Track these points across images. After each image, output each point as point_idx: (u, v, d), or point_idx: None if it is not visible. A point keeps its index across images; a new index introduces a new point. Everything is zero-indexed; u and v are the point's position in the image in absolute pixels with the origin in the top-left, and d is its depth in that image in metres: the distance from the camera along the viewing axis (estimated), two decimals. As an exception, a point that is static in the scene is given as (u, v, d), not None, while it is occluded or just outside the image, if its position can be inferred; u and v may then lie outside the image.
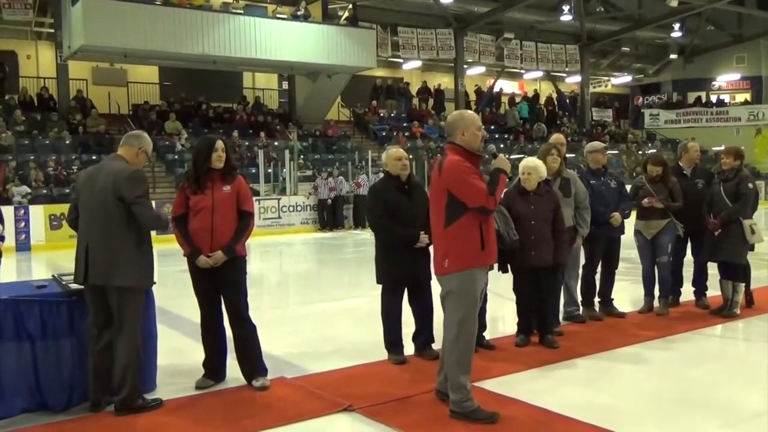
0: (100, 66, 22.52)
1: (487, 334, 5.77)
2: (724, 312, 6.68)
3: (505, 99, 31.60)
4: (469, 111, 4.38)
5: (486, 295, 5.59)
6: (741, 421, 4.06)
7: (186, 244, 4.67)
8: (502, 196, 4.11)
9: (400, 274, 5.29)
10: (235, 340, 4.79)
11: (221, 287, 4.70)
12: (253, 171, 19.09)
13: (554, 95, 32.66)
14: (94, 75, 22.76)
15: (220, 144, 4.69)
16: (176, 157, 19.24)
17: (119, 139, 4.69)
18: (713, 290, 7.08)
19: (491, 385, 4.69)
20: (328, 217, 18.72)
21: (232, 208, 4.68)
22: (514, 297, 5.85)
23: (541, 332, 5.76)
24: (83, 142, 19.02)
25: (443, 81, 29.25)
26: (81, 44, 17.80)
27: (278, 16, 20.97)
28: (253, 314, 4.89)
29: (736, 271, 6.66)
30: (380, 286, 5.43)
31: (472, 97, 29.77)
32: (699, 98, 33.42)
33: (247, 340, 4.73)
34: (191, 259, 4.67)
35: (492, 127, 28.36)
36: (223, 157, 4.67)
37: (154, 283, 4.52)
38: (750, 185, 6.55)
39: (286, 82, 25.89)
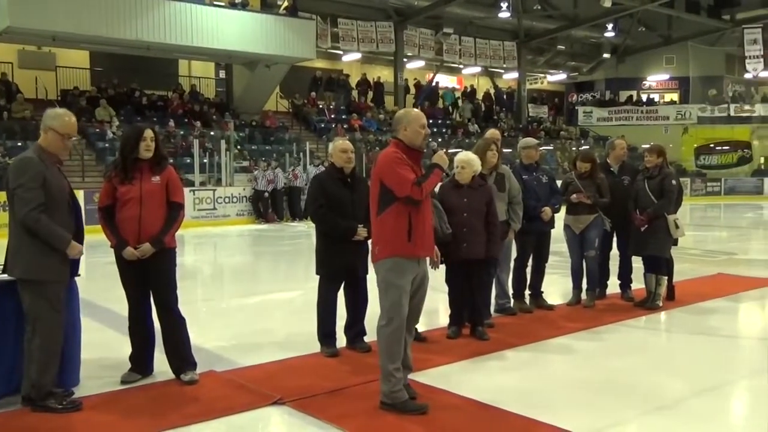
0: (26, 49, 21.62)
1: (420, 327, 5.80)
2: (648, 304, 6.91)
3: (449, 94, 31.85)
4: (416, 109, 4.47)
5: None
6: (661, 408, 4.22)
7: (112, 236, 4.55)
8: (433, 189, 4.16)
9: (336, 266, 5.29)
10: (163, 333, 4.69)
11: (150, 279, 4.60)
12: (188, 161, 18.72)
13: (492, 91, 33.12)
14: (21, 58, 21.83)
15: (148, 133, 4.56)
16: (107, 145, 18.68)
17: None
18: (638, 283, 7.31)
19: (423, 377, 4.72)
20: (264, 209, 18.52)
21: (161, 199, 4.57)
22: (446, 289, 5.91)
23: (472, 324, 5.84)
24: (8, 127, 18.30)
25: (383, 74, 29.30)
26: (6, 26, 17.00)
27: (216, 3, 20.55)
28: (186, 307, 4.81)
29: (659, 265, 6.89)
30: (317, 278, 5.42)
31: (413, 90, 29.90)
32: (630, 97, 34.44)
33: (176, 334, 4.64)
34: (118, 251, 4.55)
35: (431, 121, 28.56)
36: (152, 146, 4.55)
37: (64, 278, 4.22)
38: (673, 182, 6.78)
39: (224, 71, 25.45)
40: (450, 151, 21.07)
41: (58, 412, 4.07)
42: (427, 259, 4.38)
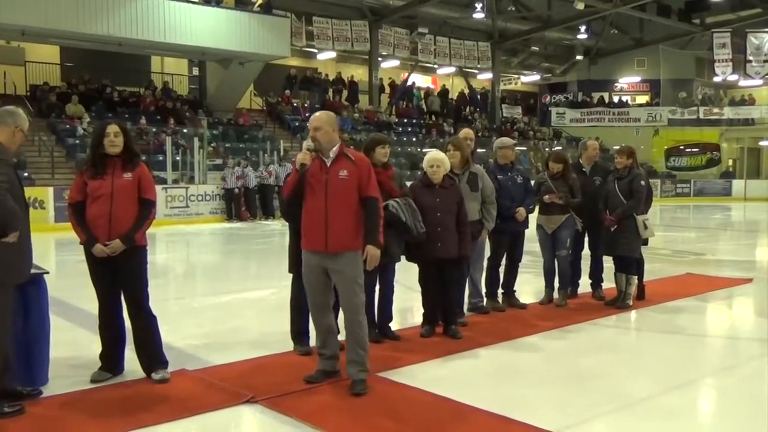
0: (-5, 43, 21.28)
1: (394, 325, 5.83)
2: (618, 303, 7.00)
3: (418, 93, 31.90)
4: (319, 113, 4.60)
5: (392, 286, 5.69)
6: (629, 406, 4.27)
7: (82, 232, 4.49)
8: (293, 191, 4.52)
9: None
10: (134, 331, 4.64)
11: (120, 277, 4.55)
12: (161, 158, 18.53)
13: (466, 91, 33.27)
14: (-11, 52, 21.48)
15: (112, 128, 4.52)
16: (77, 141, 18.42)
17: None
18: (609, 282, 7.39)
19: (397, 375, 4.75)
20: (236, 207, 18.38)
21: (133, 196, 4.53)
22: (419, 289, 5.93)
23: (445, 323, 5.86)
24: (-25, 123, 17.91)
25: (357, 73, 29.27)
26: (-27, 19, 16.72)
27: (189, -1, 20.37)
28: (158, 305, 4.77)
29: (629, 265, 6.98)
30: (290, 277, 5.40)
31: (387, 90, 29.93)
32: (602, 98, 34.81)
33: (147, 332, 4.60)
34: (87, 247, 4.50)
35: (405, 120, 28.63)
36: (116, 141, 4.49)
37: (22, 280, 4.12)
38: (642, 182, 6.87)
39: (197, 68, 25.24)
40: (424, 150, 21.17)
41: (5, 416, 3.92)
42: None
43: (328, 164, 4.39)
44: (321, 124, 4.41)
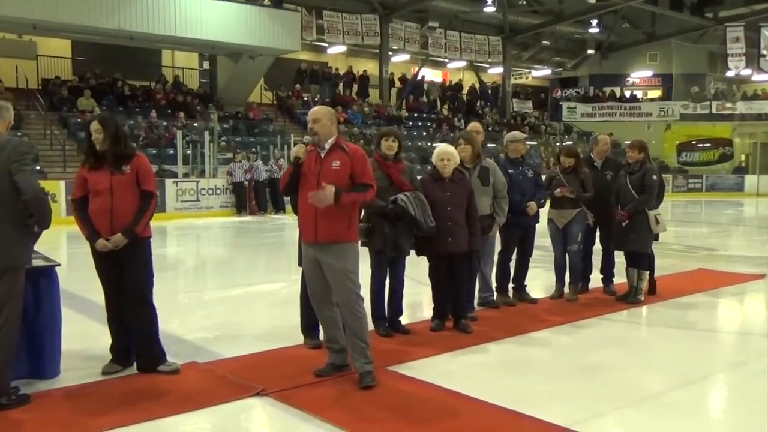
0: (6, 37, 21.32)
1: (404, 319, 5.83)
2: (629, 298, 6.97)
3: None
4: (318, 106, 4.68)
5: (402, 280, 5.68)
6: (640, 401, 4.25)
7: (84, 227, 4.53)
8: (288, 182, 4.52)
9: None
10: (135, 323, 4.62)
11: (124, 269, 4.55)
12: (172, 152, 18.58)
13: (477, 85, 33.16)
14: (0, 47, 21.52)
15: (93, 125, 4.52)
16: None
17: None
18: (620, 277, 7.36)
19: (406, 369, 4.74)
20: (246, 200, 18.38)
21: (132, 189, 4.52)
22: (430, 283, 5.92)
23: (455, 317, 5.85)
24: (-13, 116, 18.01)
25: (368, 67, 29.23)
26: (-15, 13, 16.80)
27: (200, -7, 20.37)
28: (168, 298, 4.80)
29: (641, 260, 6.94)
30: (300, 270, 5.40)
31: (398, 84, 29.87)
32: (613, 93, 34.59)
33: (149, 324, 4.61)
34: (90, 242, 4.53)
35: (415, 115, 28.57)
36: (99, 138, 4.49)
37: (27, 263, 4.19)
38: (654, 177, 6.83)
39: (207, 62, 25.29)
40: (434, 145, 21.12)
41: (9, 407, 3.96)
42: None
43: (323, 156, 4.42)
44: (320, 116, 4.45)
